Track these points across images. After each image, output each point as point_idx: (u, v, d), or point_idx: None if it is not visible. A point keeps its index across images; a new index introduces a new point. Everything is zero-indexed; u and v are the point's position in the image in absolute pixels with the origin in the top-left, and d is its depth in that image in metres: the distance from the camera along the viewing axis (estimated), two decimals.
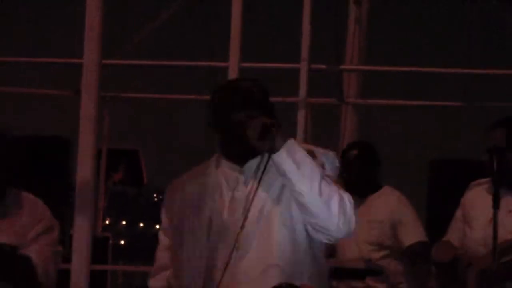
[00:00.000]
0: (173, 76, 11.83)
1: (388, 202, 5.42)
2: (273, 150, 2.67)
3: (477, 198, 4.33)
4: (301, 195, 2.66)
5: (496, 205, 3.86)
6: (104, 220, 11.39)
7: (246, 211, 2.74)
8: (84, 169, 3.61)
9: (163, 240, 2.98)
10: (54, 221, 3.49)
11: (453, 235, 4.44)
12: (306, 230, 2.75)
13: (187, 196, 2.88)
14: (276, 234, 2.73)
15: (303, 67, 7.10)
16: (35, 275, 3.36)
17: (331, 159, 2.81)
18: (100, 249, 8.70)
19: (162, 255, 2.98)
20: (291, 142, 2.68)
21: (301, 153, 2.68)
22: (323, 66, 8.47)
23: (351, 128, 9.38)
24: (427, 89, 11.49)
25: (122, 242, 43.03)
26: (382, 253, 5.35)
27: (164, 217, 2.96)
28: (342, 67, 9.12)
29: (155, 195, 44.63)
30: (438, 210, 6.90)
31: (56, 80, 11.04)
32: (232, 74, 5.46)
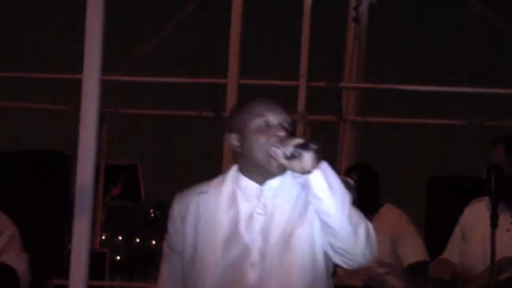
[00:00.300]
0: (173, 92, 11.84)
1: (389, 220, 5.41)
2: (304, 170, 2.58)
3: (476, 216, 4.34)
4: (330, 216, 2.59)
5: (494, 223, 3.88)
6: (100, 235, 11.38)
7: (266, 229, 2.69)
8: (83, 183, 3.61)
9: (168, 252, 2.90)
10: (14, 228, 3.47)
11: (451, 252, 4.45)
12: (324, 253, 2.70)
13: (202, 209, 2.79)
14: (299, 254, 2.66)
15: (302, 84, 7.12)
16: (19, 285, 3.37)
17: (351, 189, 2.76)
18: (97, 264, 8.69)
19: (169, 269, 2.90)
20: (324, 163, 2.59)
21: (333, 175, 2.60)
22: (322, 84, 8.49)
23: (349, 146, 9.39)
24: (426, 106, 11.51)
25: (118, 257, 42.90)
26: (382, 270, 5.35)
27: (173, 231, 2.87)
28: (341, 84, 9.15)
29: (151, 210, 44.56)
30: (437, 227, 6.89)
31: (55, 95, 11.07)
32: (231, 90, 5.48)
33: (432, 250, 5.25)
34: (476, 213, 4.35)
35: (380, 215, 5.38)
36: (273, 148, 2.63)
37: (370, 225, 2.65)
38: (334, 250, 2.66)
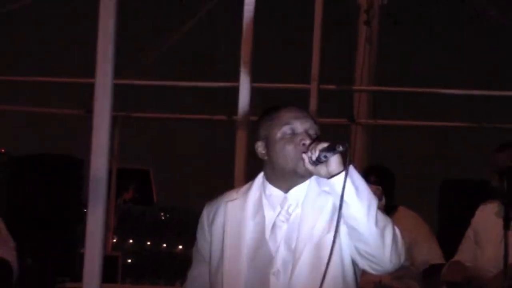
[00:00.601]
0: (185, 96, 11.85)
1: (404, 223, 5.39)
2: (331, 174, 2.57)
3: (488, 219, 4.33)
4: (356, 220, 2.57)
5: (506, 226, 3.87)
6: (112, 238, 11.41)
7: (290, 237, 2.69)
8: (96, 188, 3.62)
9: (196, 257, 2.91)
10: None
11: (464, 255, 4.44)
12: (352, 261, 2.69)
13: (229, 217, 2.80)
14: (329, 264, 2.61)
15: (313, 87, 7.11)
16: (12, 277, 3.40)
17: (378, 193, 2.73)
18: (110, 268, 8.71)
19: (194, 275, 2.92)
20: (350, 166, 2.57)
21: (359, 178, 2.59)
22: (333, 86, 8.49)
23: (361, 148, 9.38)
24: (438, 109, 11.48)
25: (129, 260, 42.94)
26: (394, 274, 5.33)
27: (200, 237, 2.88)
28: (353, 87, 9.15)
29: (162, 214, 44.58)
30: (449, 230, 6.88)
31: (67, 99, 11.10)
32: (243, 94, 5.47)
33: (444, 251, 5.25)
34: (488, 216, 4.35)
35: (395, 218, 5.35)
36: (300, 155, 2.63)
37: (397, 230, 2.63)
38: (361, 255, 2.63)
